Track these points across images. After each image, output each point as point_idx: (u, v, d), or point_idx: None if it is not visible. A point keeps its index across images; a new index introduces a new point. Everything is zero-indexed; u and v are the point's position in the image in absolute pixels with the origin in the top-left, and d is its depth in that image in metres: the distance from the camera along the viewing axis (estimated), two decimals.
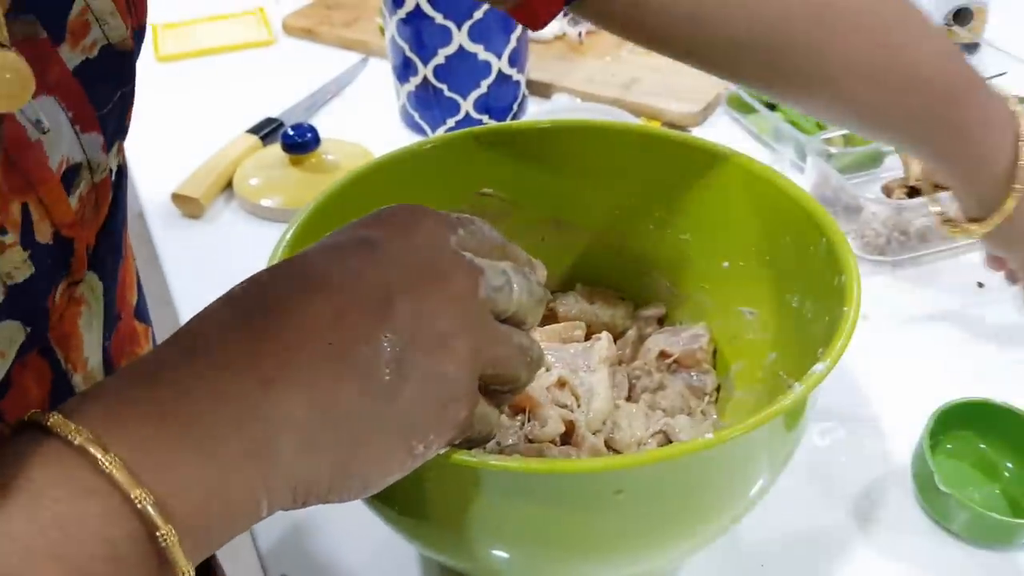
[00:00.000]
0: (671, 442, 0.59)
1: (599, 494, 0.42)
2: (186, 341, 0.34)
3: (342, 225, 0.45)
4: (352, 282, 0.35)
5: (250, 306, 0.34)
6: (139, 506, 0.28)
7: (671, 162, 0.63)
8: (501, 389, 0.41)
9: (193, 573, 0.30)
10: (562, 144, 0.65)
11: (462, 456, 0.39)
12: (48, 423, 0.29)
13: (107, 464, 0.28)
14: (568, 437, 0.57)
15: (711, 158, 0.61)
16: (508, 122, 0.66)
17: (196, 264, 0.88)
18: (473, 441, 0.40)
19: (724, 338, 0.66)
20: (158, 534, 0.29)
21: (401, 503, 0.46)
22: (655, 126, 0.66)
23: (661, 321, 0.70)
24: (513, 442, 0.56)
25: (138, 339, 0.53)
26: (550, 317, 0.69)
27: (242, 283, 0.36)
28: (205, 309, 0.35)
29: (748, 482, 0.47)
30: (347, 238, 0.38)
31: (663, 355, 0.65)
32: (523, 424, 0.57)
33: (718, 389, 0.65)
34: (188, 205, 0.92)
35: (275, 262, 0.50)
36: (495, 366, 0.39)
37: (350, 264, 0.36)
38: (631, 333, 0.68)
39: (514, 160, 0.64)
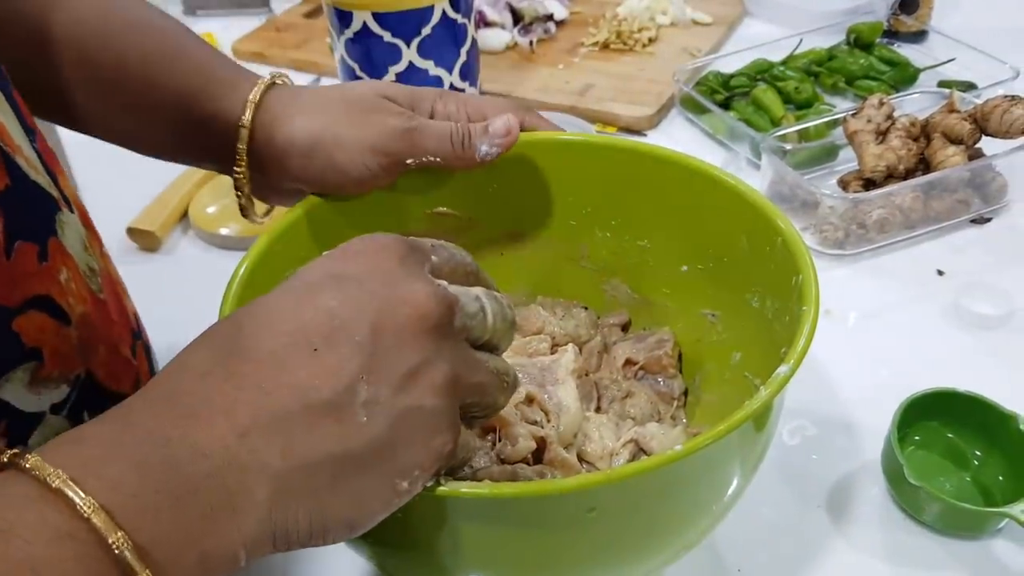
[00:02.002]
0: (643, 451, 0.59)
1: (572, 514, 0.42)
2: (165, 387, 0.33)
3: (296, 254, 0.45)
4: (325, 321, 0.34)
5: (225, 351, 0.34)
6: (117, 552, 0.28)
7: (623, 169, 0.63)
8: (477, 415, 0.41)
9: None
10: (516, 158, 0.65)
11: (431, 486, 0.38)
12: (26, 464, 0.29)
13: (86, 508, 0.28)
14: (540, 454, 0.57)
15: (662, 164, 0.61)
16: None
17: (155, 298, 0.85)
18: (451, 468, 0.40)
19: (688, 341, 0.66)
20: None
21: (374, 534, 0.45)
22: (606, 136, 0.66)
23: (625, 328, 0.70)
24: (485, 464, 0.55)
25: None
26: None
27: (217, 325, 0.36)
28: (182, 353, 0.35)
29: (721, 488, 0.47)
30: (318, 275, 0.37)
31: (629, 363, 0.65)
32: (494, 444, 0.57)
33: (686, 393, 0.65)
34: (144, 239, 0.91)
35: (232, 296, 0.49)
36: (474, 394, 0.38)
37: (322, 302, 0.35)
38: (596, 342, 0.68)
39: (468, 177, 0.64)
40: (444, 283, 0.38)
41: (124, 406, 0.33)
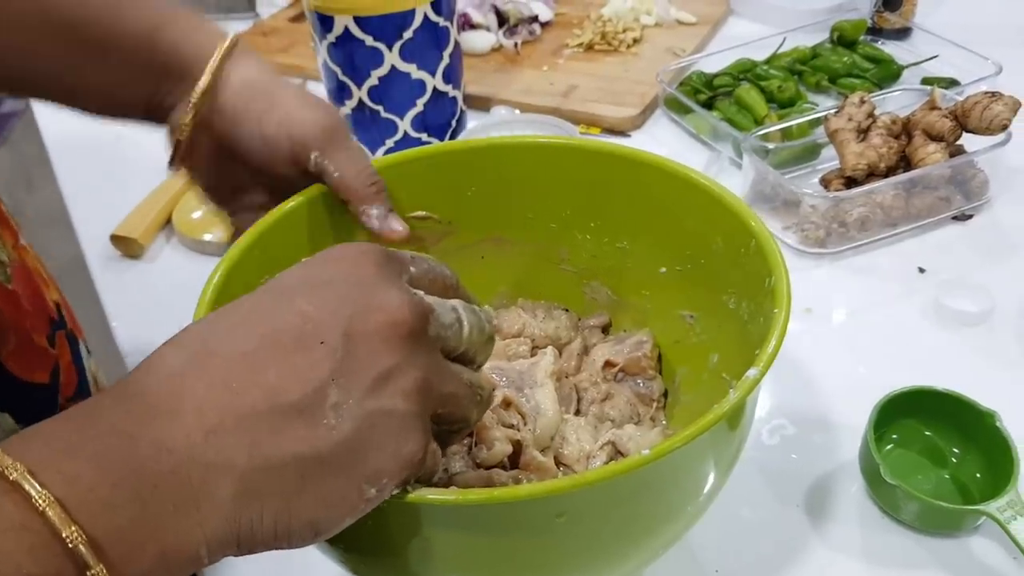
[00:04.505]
0: (620, 452, 0.59)
1: (541, 520, 0.42)
2: (134, 386, 0.33)
3: (273, 261, 0.45)
4: (298, 324, 0.35)
5: (197, 351, 0.34)
6: (71, 545, 0.28)
7: (601, 172, 0.63)
8: (450, 428, 0.41)
9: None
10: (495, 162, 0.65)
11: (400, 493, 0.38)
12: None
13: (41, 501, 0.28)
14: (517, 457, 0.57)
15: (639, 166, 0.61)
16: (439, 144, 0.65)
17: (139, 305, 0.86)
18: (419, 478, 0.40)
19: (667, 343, 0.66)
20: (89, 574, 0.28)
21: (345, 540, 0.45)
22: (583, 139, 0.66)
23: (606, 329, 0.70)
24: (461, 468, 0.55)
25: None
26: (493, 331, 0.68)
27: (191, 326, 0.36)
28: (155, 352, 0.35)
29: (695, 489, 0.47)
30: (295, 280, 0.37)
31: (608, 364, 0.65)
32: (470, 449, 0.57)
33: (665, 394, 0.65)
34: (127, 246, 0.91)
35: (206, 302, 0.50)
36: (445, 404, 0.39)
37: (296, 306, 0.35)
38: (575, 344, 0.68)
39: (448, 181, 0.64)
40: (421, 293, 0.38)
41: (90, 402, 0.33)
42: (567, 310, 0.70)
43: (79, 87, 0.58)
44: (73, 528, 0.28)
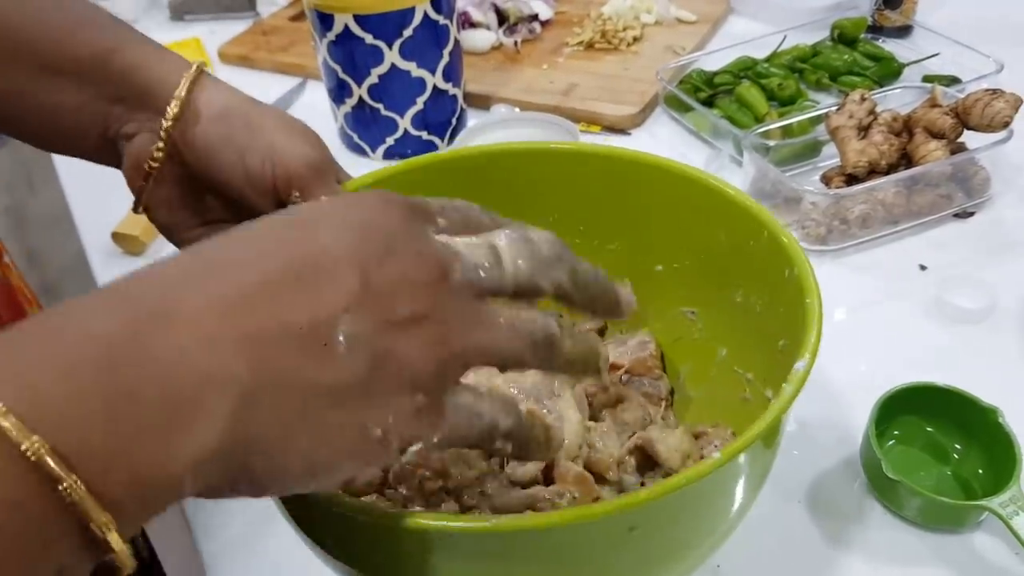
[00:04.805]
0: (649, 456, 0.58)
1: (613, 534, 0.40)
2: (119, 290, 0.30)
3: None
4: (316, 254, 0.33)
5: (204, 265, 0.32)
6: (32, 458, 0.25)
7: (586, 175, 0.63)
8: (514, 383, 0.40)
9: (114, 530, 0.27)
10: (474, 169, 0.64)
11: (461, 522, 0.37)
12: None
13: None
14: (549, 471, 0.56)
15: (628, 165, 0.61)
16: (419, 157, 0.64)
17: None
18: (457, 440, 0.37)
19: (668, 341, 0.66)
20: (61, 488, 0.26)
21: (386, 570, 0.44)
22: (564, 143, 0.66)
23: (602, 332, 0.69)
24: (495, 490, 0.54)
25: None
26: None
27: (200, 243, 0.33)
28: (151, 264, 0.32)
29: (760, 481, 0.48)
30: (317, 214, 0.35)
31: (614, 367, 0.65)
32: (502, 467, 0.56)
33: (672, 392, 0.65)
34: (129, 243, 0.91)
35: None
36: (484, 354, 0.36)
37: (317, 237, 0.34)
38: None
39: (427, 193, 0.63)
40: (445, 238, 0.37)
41: (63, 304, 0.29)
42: (561, 315, 0.69)
43: (25, 114, 0.54)
44: (34, 439, 0.25)
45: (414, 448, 0.35)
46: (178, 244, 0.58)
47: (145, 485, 0.28)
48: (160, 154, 0.53)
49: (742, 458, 0.41)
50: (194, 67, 0.53)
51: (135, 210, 0.56)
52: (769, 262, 0.53)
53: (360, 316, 0.32)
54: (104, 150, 0.55)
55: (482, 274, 0.37)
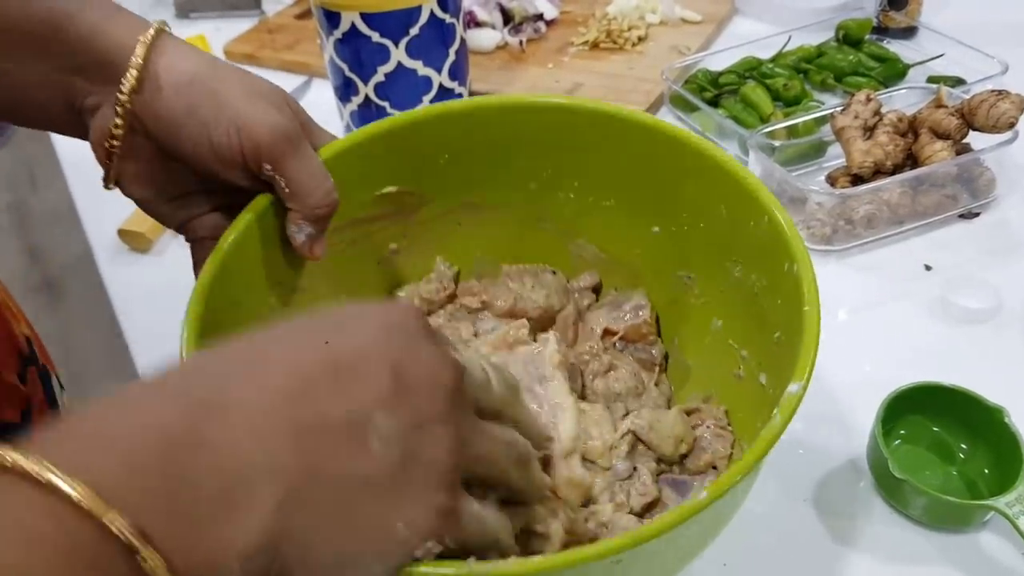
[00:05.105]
0: (642, 441, 0.58)
1: (599, 571, 0.40)
2: (171, 380, 0.32)
3: (265, 247, 0.43)
4: (351, 352, 0.34)
5: (244, 358, 0.34)
6: (114, 531, 0.27)
7: (583, 131, 0.61)
8: (499, 493, 0.40)
9: None
10: (464, 127, 0.63)
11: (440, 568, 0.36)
12: (9, 459, 0.27)
13: (74, 492, 0.27)
14: (545, 466, 0.55)
15: (625, 125, 0.60)
16: (407, 113, 0.62)
17: (146, 299, 0.86)
18: (470, 548, 0.38)
19: (662, 303, 0.65)
20: (140, 560, 0.27)
21: None
22: (563, 97, 0.65)
23: (596, 290, 0.69)
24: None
25: None
26: (482, 308, 0.68)
27: (234, 340, 0.35)
28: (192, 358, 0.34)
29: (740, 505, 0.49)
30: (346, 317, 0.37)
31: (608, 333, 0.64)
32: None
33: (666, 357, 0.65)
34: (135, 240, 0.91)
35: (186, 341, 0.47)
36: (480, 463, 0.38)
37: (350, 337, 0.35)
38: (569, 311, 0.66)
39: (414, 152, 0.62)
40: (451, 350, 0.38)
41: (121, 394, 0.31)
42: (554, 272, 0.69)
43: None
44: (112, 514, 0.27)
45: (429, 545, 0.35)
46: (158, 218, 0.56)
47: (202, 567, 0.29)
48: (120, 131, 0.50)
49: (729, 495, 0.40)
50: (150, 29, 0.50)
51: (105, 186, 0.54)
52: (770, 249, 0.52)
53: (392, 413, 0.34)
54: (72, 123, 0.52)
55: (481, 391, 0.39)
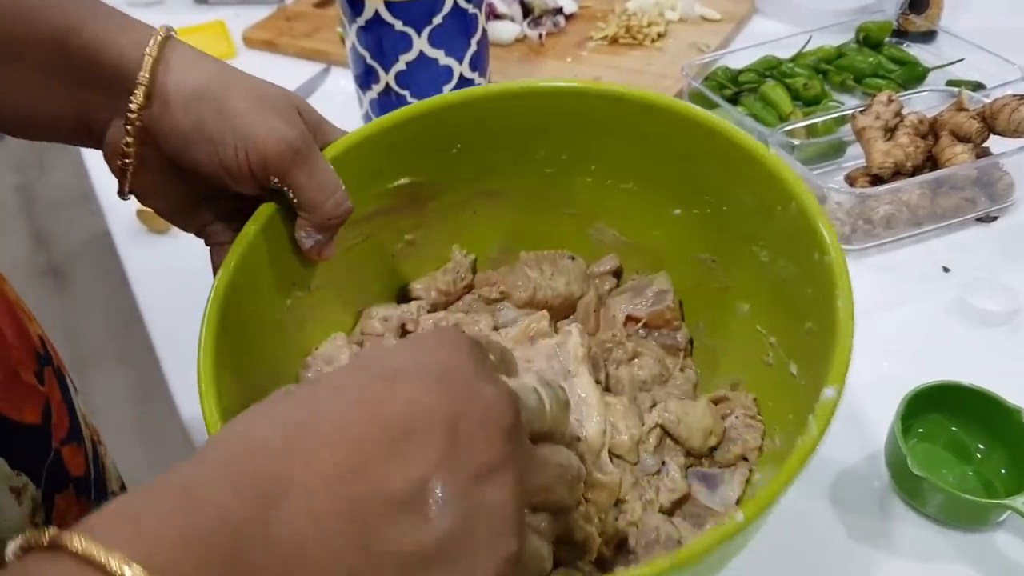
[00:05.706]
0: (670, 435, 0.58)
1: None
2: (224, 459, 0.31)
3: (279, 246, 0.43)
4: (405, 411, 0.33)
5: (294, 429, 0.32)
6: None
7: (602, 115, 0.61)
8: (548, 521, 0.40)
9: None
10: (477, 113, 0.62)
11: None
12: (74, 546, 0.27)
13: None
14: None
15: (638, 106, 0.59)
16: (417, 104, 0.61)
17: (164, 280, 0.87)
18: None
19: (685, 287, 0.64)
20: None
21: None
22: (577, 81, 0.64)
23: (617, 274, 0.68)
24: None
25: None
26: (501, 298, 0.67)
27: (280, 398, 0.34)
28: (237, 423, 0.32)
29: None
30: (396, 362, 0.35)
31: (631, 319, 0.64)
32: None
33: (691, 341, 0.64)
34: (153, 221, 0.92)
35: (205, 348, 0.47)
36: (539, 494, 0.38)
37: (401, 391, 0.34)
38: (590, 297, 0.66)
39: (426, 143, 0.62)
40: (505, 379, 0.37)
41: (178, 476, 0.30)
42: (573, 257, 0.68)
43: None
44: None
45: None
46: (176, 224, 0.57)
47: None
48: (131, 148, 0.50)
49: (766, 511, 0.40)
50: (154, 41, 0.49)
51: (122, 197, 0.54)
52: (798, 236, 0.51)
53: (450, 472, 0.32)
54: (85, 137, 0.53)
55: (534, 416, 0.38)
